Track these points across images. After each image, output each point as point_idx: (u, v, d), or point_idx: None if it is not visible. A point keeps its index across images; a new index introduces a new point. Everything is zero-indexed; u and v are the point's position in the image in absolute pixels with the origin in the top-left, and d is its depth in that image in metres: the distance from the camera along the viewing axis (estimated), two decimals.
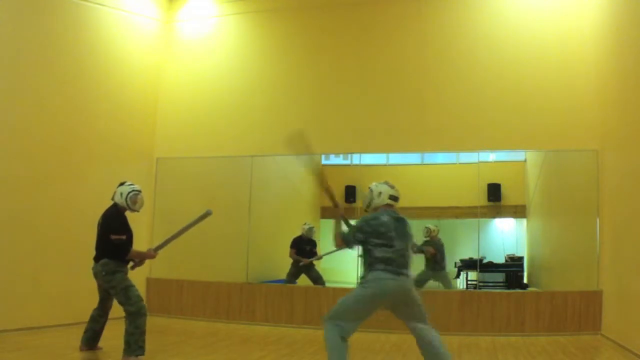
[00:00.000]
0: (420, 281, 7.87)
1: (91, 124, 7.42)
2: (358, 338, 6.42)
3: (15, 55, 6.44)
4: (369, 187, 4.23)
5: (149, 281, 8.21)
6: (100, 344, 5.32)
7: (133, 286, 4.97)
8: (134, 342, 4.75)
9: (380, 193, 4.13)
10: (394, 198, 4.15)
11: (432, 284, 8.13)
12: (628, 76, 5.93)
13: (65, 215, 6.90)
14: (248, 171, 8.24)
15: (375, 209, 4.13)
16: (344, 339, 3.83)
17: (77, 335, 5.40)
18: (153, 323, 7.58)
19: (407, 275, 3.90)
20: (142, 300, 4.96)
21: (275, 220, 9.08)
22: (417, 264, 8.19)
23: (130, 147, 8.11)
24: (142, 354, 4.79)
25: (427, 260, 8.04)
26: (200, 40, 8.72)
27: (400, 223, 4.03)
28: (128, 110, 8.09)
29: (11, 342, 5.49)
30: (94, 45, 7.53)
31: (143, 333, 4.82)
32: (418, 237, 8.16)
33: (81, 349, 5.24)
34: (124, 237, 5.00)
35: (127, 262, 5.11)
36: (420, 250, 7.92)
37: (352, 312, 3.87)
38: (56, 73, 6.96)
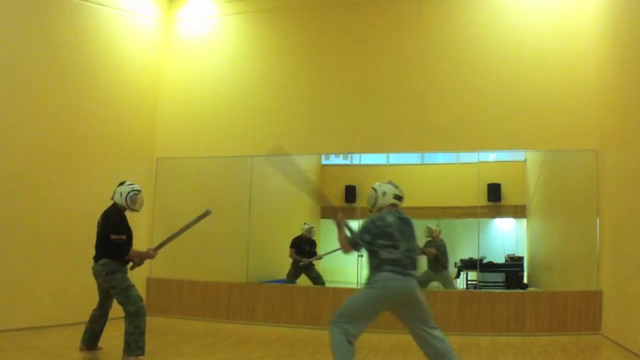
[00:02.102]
0: (422, 282, 7.88)
1: (91, 124, 7.43)
2: (358, 338, 6.43)
3: (15, 55, 6.44)
4: (373, 187, 4.18)
5: (149, 281, 8.21)
6: (101, 343, 5.32)
7: (133, 286, 4.98)
8: (134, 342, 4.76)
9: (384, 193, 4.08)
10: (399, 197, 4.11)
11: (433, 283, 8.15)
12: (628, 76, 5.93)
13: (65, 215, 6.90)
14: (248, 171, 8.24)
15: (380, 209, 4.08)
16: (350, 342, 3.76)
17: (77, 335, 5.40)
18: (153, 323, 7.58)
19: (413, 276, 3.87)
20: (142, 300, 4.96)
21: (275, 220, 9.07)
22: (420, 265, 8.25)
23: (130, 147, 8.11)
24: (142, 354, 4.80)
25: (429, 261, 8.06)
26: (200, 40, 8.72)
27: (405, 223, 3.99)
28: (128, 110, 8.08)
29: (11, 342, 5.49)
30: (94, 45, 7.52)
31: (143, 333, 4.83)
32: (420, 238, 8.21)
33: (81, 349, 5.24)
34: (123, 236, 5.00)
35: (127, 262, 5.10)
36: (421, 251, 7.94)
37: (359, 314, 3.81)
38: (56, 73, 6.96)
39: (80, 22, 7.32)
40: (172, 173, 8.52)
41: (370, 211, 4.18)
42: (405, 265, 3.84)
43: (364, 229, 3.96)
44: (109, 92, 7.73)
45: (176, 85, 8.67)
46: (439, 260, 7.98)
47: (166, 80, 8.69)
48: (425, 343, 3.88)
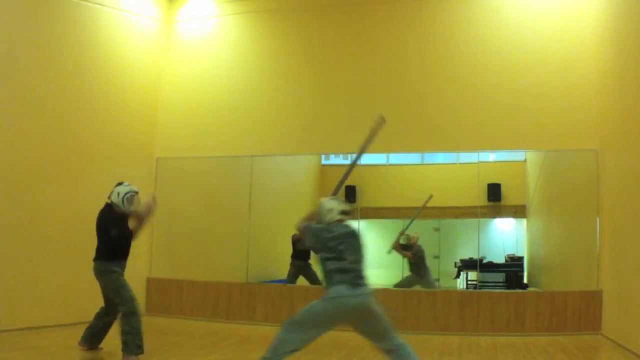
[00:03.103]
0: (406, 284, 8.10)
1: (91, 124, 7.43)
2: (359, 338, 6.42)
3: (15, 55, 6.44)
4: (319, 202, 4.19)
5: (149, 281, 8.21)
6: (102, 344, 5.31)
7: (126, 286, 4.98)
8: (132, 341, 4.77)
9: (330, 209, 4.09)
10: (345, 213, 4.12)
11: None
12: (628, 76, 5.93)
13: (65, 215, 6.90)
14: (248, 171, 8.24)
15: (328, 224, 4.08)
16: (294, 349, 3.83)
17: (77, 336, 5.39)
18: (153, 323, 7.60)
19: (365, 286, 3.85)
20: (134, 300, 4.95)
21: (275, 220, 9.07)
22: (403, 269, 8.33)
23: (130, 147, 8.10)
24: (141, 352, 4.81)
25: (411, 265, 8.23)
26: (200, 40, 8.72)
27: (351, 236, 3.99)
28: (128, 110, 8.08)
29: (11, 342, 5.49)
30: (94, 45, 7.53)
31: (139, 332, 4.83)
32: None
33: (79, 345, 5.23)
34: (119, 230, 5.01)
35: (124, 259, 5.10)
36: (399, 249, 8.28)
37: (312, 323, 3.85)
38: (56, 73, 6.96)
39: (80, 22, 7.32)
40: (172, 173, 8.52)
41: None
42: (356, 277, 3.84)
43: (313, 230, 4.03)
44: (109, 92, 7.73)
45: (176, 85, 8.67)
46: (418, 265, 8.16)
47: (166, 80, 8.68)
48: (395, 355, 3.88)
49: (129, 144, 8.09)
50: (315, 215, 4.17)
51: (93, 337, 5.27)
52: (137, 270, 8.04)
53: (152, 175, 8.49)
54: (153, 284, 8.19)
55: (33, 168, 6.59)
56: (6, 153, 6.27)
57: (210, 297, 7.87)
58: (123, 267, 5.11)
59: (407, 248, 8.30)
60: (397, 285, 8.12)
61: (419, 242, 8.33)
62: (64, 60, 7.08)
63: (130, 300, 4.92)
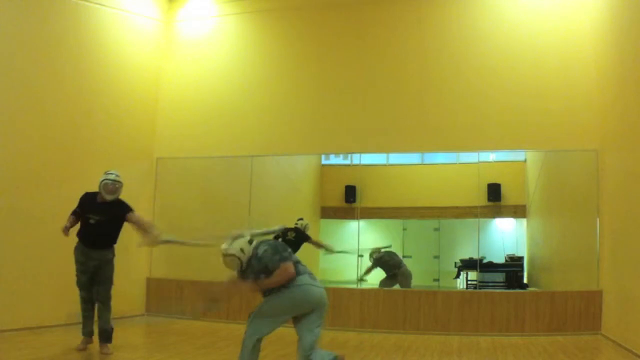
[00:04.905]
0: (386, 285, 8.14)
1: (91, 124, 7.42)
2: (358, 338, 6.44)
3: (15, 55, 6.43)
4: (233, 255, 3.87)
5: (149, 281, 8.21)
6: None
7: (78, 269, 5.26)
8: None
9: (242, 249, 3.88)
10: (251, 242, 4.03)
11: (433, 283, 8.20)
12: (628, 76, 5.93)
13: (65, 215, 6.86)
14: (248, 171, 8.24)
15: (249, 259, 3.90)
16: (259, 340, 3.98)
17: (77, 336, 5.40)
18: (153, 323, 7.60)
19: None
20: (79, 284, 5.27)
21: (275, 220, 9.07)
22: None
23: (130, 147, 8.10)
24: (83, 334, 5.33)
25: (385, 269, 8.30)
26: (200, 40, 8.72)
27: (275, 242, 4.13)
28: (128, 110, 8.08)
29: (11, 342, 5.49)
30: (94, 46, 7.52)
31: (80, 313, 5.34)
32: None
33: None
34: (72, 214, 5.33)
35: (90, 247, 5.27)
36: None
37: (275, 314, 3.89)
38: (56, 73, 6.96)
39: (80, 22, 7.32)
40: (172, 173, 8.52)
41: (244, 271, 3.94)
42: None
43: (282, 247, 3.96)
44: (109, 92, 7.73)
45: (176, 85, 8.66)
46: (385, 271, 8.25)
47: (166, 80, 8.68)
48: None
49: (129, 144, 8.09)
50: (237, 264, 3.92)
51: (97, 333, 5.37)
52: (137, 270, 8.06)
53: (152, 175, 8.49)
54: (153, 284, 8.19)
55: (33, 168, 6.58)
56: (6, 153, 6.26)
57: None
58: (87, 255, 5.22)
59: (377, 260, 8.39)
60: (379, 283, 8.22)
61: (392, 249, 8.50)
62: (64, 60, 7.07)
63: (77, 284, 5.29)
